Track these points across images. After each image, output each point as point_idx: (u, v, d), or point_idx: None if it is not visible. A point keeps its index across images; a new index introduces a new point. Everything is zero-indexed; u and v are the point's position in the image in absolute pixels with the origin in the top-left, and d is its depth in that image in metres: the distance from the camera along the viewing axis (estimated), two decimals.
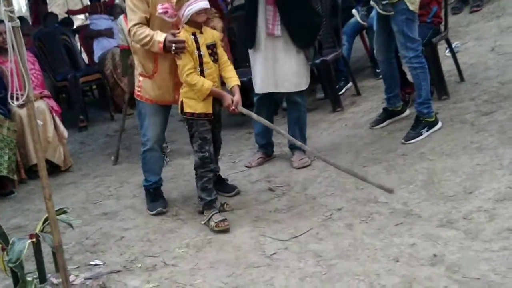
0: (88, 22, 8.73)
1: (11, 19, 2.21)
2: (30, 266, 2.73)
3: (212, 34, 3.33)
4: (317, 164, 3.88)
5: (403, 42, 3.80)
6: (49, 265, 2.74)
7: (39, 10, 8.37)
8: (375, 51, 4.29)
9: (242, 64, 4.95)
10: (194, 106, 3.25)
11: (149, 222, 3.48)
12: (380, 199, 3.19)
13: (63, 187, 4.46)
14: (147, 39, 3.20)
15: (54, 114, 4.79)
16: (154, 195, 3.66)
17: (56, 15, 8.11)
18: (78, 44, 8.04)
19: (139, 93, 3.53)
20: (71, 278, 2.76)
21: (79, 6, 10.22)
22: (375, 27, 4.16)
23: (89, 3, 8.72)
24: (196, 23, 3.22)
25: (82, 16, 10.94)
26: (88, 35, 7.70)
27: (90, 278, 2.81)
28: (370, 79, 5.61)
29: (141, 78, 3.50)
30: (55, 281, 2.72)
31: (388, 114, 4.35)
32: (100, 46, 7.29)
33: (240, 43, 5.40)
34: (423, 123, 3.89)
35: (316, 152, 3.58)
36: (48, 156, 4.58)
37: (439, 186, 3.19)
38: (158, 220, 3.49)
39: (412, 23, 3.77)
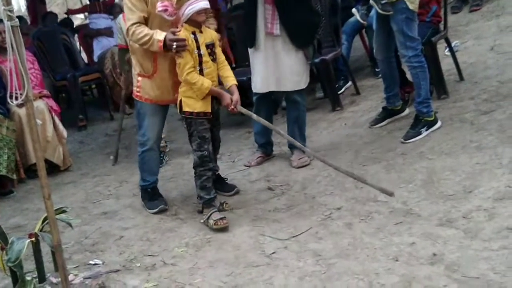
0: (87, 21, 8.72)
1: (10, 18, 2.21)
2: (29, 265, 2.74)
3: (211, 34, 3.34)
4: (317, 163, 3.88)
5: (402, 41, 3.80)
6: (48, 264, 2.75)
7: (37, 10, 8.36)
8: (374, 50, 4.29)
9: (242, 63, 4.95)
10: (193, 105, 3.25)
11: (149, 221, 3.48)
12: (379, 198, 3.19)
13: (62, 186, 4.45)
14: (146, 38, 3.19)
15: (53, 114, 4.79)
16: (153, 194, 3.67)
17: (55, 15, 8.11)
18: (78, 44, 8.03)
19: (138, 93, 3.52)
20: (70, 277, 2.76)
21: (78, 6, 10.20)
22: (374, 26, 4.16)
23: (88, 2, 8.71)
24: (196, 22, 3.21)
25: (81, 16, 10.94)
26: (88, 34, 7.70)
27: (90, 278, 2.81)
28: (369, 78, 5.61)
29: (139, 78, 3.48)
30: (54, 280, 2.72)
31: (388, 113, 4.36)
32: (100, 46, 7.29)
33: (240, 42, 5.40)
34: (422, 122, 3.89)
35: (314, 153, 3.57)
36: (47, 156, 4.58)
37: (438, 185, 3.19)
38: (157, 219, 3.49)
39: (412, 22, 3.77)
